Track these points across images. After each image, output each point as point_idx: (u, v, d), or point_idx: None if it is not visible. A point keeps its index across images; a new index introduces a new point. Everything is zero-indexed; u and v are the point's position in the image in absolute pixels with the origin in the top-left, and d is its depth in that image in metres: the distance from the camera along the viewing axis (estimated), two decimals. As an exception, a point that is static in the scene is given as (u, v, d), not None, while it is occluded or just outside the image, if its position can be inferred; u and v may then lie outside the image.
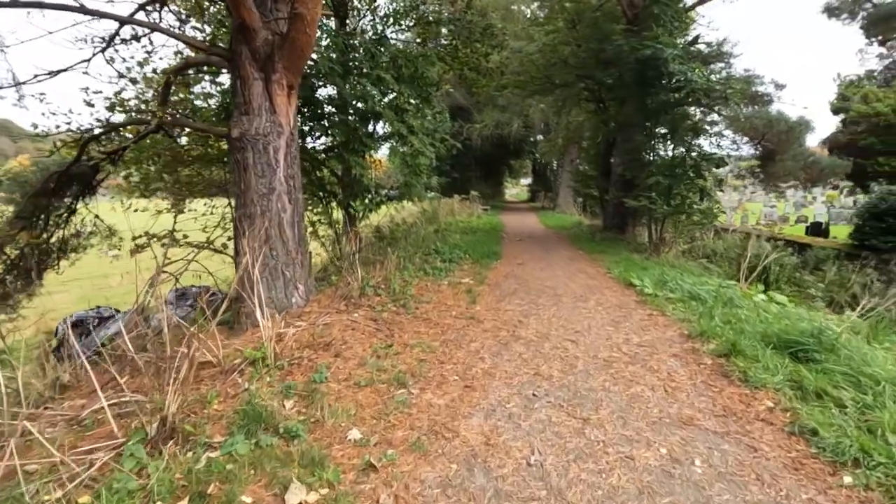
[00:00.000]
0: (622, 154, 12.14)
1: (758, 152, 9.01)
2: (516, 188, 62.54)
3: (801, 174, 9.19)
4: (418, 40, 11.34)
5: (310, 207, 7.44)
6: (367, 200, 7.66)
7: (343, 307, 4.90)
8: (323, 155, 7.49)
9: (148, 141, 6.76)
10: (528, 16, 21.07)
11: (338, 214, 8.14)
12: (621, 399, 3.12)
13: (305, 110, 6.97)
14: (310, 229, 7.40)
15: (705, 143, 9.12)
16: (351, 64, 6.63)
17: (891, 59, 19.87)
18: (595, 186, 15.07)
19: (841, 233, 24.80)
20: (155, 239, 5.95)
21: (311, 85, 6.61)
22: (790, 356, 3.62)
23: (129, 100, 6.96)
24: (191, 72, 6.95)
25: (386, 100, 7.40)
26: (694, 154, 9.42)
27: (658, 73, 8.50)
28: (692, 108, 9.13)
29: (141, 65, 6.75)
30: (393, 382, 3.25)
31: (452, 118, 26.21)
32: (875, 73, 19.90)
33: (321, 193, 7.87)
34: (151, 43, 6.79)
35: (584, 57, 13.54)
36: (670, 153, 9.86)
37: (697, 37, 9.11)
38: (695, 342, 4.20)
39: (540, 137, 32.49)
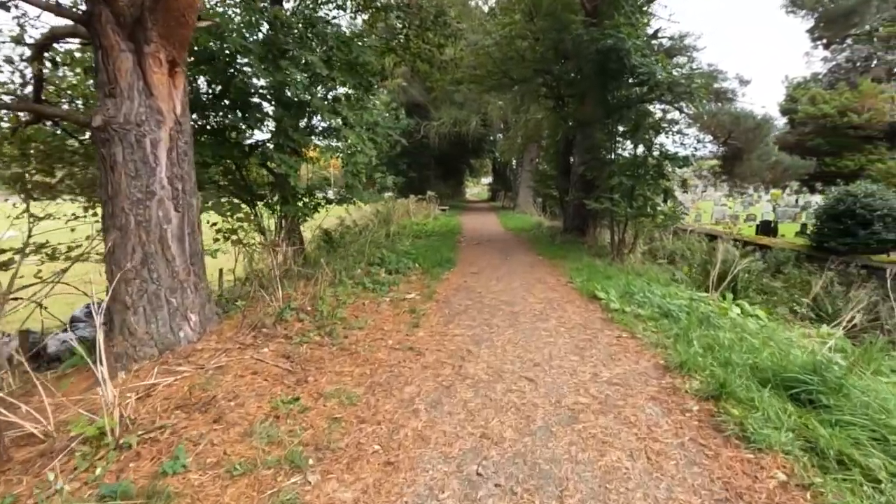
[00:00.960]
0: (582, 153, 11.61)
1: (721, 151, 8.58)
2: (478, 187, 62.28)
3: (767, 174, 8.98)
4: (364, 27, 10.42)
5: (229, 213, 6.39)
6: (300, 204, 6.69)
7: (250, 340, 3.95)
8: (251, 151, 6.46)
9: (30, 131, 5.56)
10: (486, 11, 20.41)
11: (271, 221, 7.14)
12: (593, 476, 2.34)
13: (226, 98, 5.93)
14: (232, 237, 6.35)
15: (668, 142, 8.65)
16: (276, 45, 5.65)
17: (834, 62, 20.44)
18: (555, 186, 14.55)
19: (788, 231, 25.56)
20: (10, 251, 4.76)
21: (230, 67, 5.59)
22: (791, 399, 2.97)
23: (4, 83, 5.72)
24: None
25: (321, 90, 6.46)
26: (656, 153, 8.94)
27: (620, 66, 7.91)
28: (655, 105, 8.62)
29: (17, 41, 5.52)
30: (285, 465, 2.35)
31: (409, 115, 25.25)
32: (820, 76, 20.41)
33: (247, 197, 6.83)
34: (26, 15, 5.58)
35: (542, 51, 12.96)
36: (631, 152, 9.35)
37: (658, 30, 8.65)
38: (674, 377, 3.50)
39: (500, 136, 32.06)
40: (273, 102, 5.94)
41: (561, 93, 12.96)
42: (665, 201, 8.46)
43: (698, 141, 8.33)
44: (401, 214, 17.29)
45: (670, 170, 8.78)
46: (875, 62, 18.62)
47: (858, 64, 19.41)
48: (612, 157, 9.23)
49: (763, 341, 4.00)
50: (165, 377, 3.15)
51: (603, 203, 8.42)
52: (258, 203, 6.96)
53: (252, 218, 6.56)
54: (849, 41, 20.14)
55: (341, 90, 6.84)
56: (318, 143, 7.21)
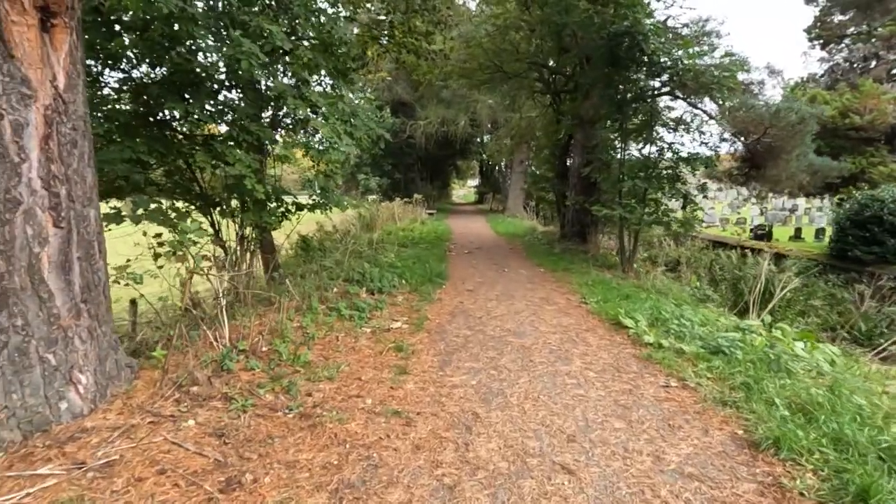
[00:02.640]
0: (582, 153, 10.65)
1: (743, 151, 7.67)
2: (464, 189, 61.36)
3: (804, 177, 8.17)
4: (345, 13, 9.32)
5: (171, 222, 5.21)
6: (264, 211, 5.55)
7: (171, 407, 2.82)
8: (201, 146, 5.29)
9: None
10: (476, 4, 19.39)
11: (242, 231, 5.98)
12: None
13: (155, 70, 4.77)
14: (177, 253, 5.17)
15: (686, 140, 7.71)
16: (229, 16, 4.53)
17: (832, 63, 19.91)
18: (551, 189, 13.58)
19: (781, 235, 25.02)
20: None
21: (166, 39, 4.43)
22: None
23: None
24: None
25: (288, 75, 5.33)
26: (672, 153, 8.00)
27: (634, 54, 6.94)
28: (674, 98, 7.67)
29: None
30: None
31: (394, 114, 24.15)
32: (818, 76, 19.86)
33: (198, 202, 5.67)
34: None
35: (539, 42, 12.01)
36: (643, 152, 8.40)
37: (668, 18, 7.74)
38: (770, 462, 2.48)
39: (488, 137, 31.11)
40: (226, 85, 4.81)
41: (558, 88, 12.00)
42: (684, 207, 7.50)
43: (722, 139, 7.43)
44: (385, 219, 16.17)
45: (687, 171, 7.83)
46: (874, 62, 18.06)
47: (857, 64, 18.88)
48: (621, 157, 8.24)
49: (868, 399, 3.01)
50: (13, 492, 2.02)
51: (615, 210, 7.43)
52: (214, 210, 5.80)
53: (203, 227, 5.38)
54: (847, 41, 19.64)
55: (316, 78, 5.74)
56: (287, 138, 6.09)
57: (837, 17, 19.59)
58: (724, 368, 3.65)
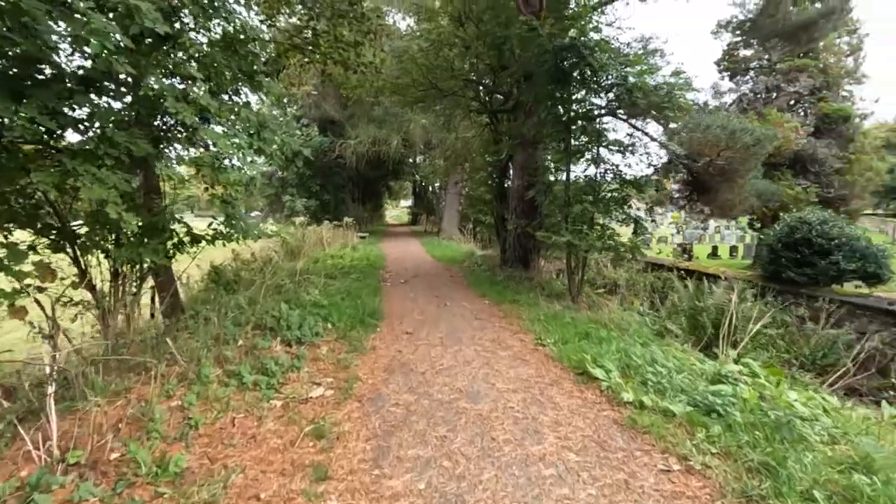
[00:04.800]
0: (522, 175, 10.15)
1: (689, 175, 7.44)
2: (397, 209, 60.46)
3: (754, 201, 8.16)
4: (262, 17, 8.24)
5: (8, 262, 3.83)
6: (145, 245, 4.31)
7: None
8: (44, 162, 3.98)
9: None
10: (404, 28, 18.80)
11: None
12: None
13: None
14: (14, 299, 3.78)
15: (633, 161, 7.35)
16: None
17: (740, 93, 21.43)
18: (490, 212, 13.01)
19: (701, 253, 26.37)
20: None
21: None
22: None
23: None
24: None
25: (175, 82, 4.19)
26: (615, 176, 7.62)
27: (581, 69, 6.48)
28: (616, 118, 7.30)
29: None
30: None
31: (323, 132, 22.84)
32: (728, 105, 21.25)
33: (51, 235, 4.31)
34: None
35: (474, 61, 11.55)
36: (588, 174, 7.97)
37: (608, 37, 7.46)
38: None
39: (421, 158, 30.55)
40: (95, 85, 3.60)
41: (495, 107, 11.54)
42: (636, 232, 7.07)
43: (671, 161, 7.13)
44: (313, 244, 14.82)
45: (634, 194, 7.47)
46: (776, 94, 19.53)
47: (761, 95, 20.34)
48: (568, 180, 7.75)
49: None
50: None
51: (563, 235, 6.84)
52: (75, 244, 4.45)
53: (51, 266, 4.03)
54: (751, 73, 21.23)
55: (214, 81, 4.62)
56: (183, 153, 4.87)
57: (742, 52, 21.18)
58: (727, 438, 2.97)
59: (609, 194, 7.65)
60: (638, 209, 8.42)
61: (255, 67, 4.66)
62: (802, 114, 19.24)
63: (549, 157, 8.92)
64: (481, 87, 11.83)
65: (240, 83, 4.73)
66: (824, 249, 8.81)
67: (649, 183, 7.08)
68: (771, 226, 18.04)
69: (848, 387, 6.21)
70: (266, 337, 4.74)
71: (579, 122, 7.47)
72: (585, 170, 8.08)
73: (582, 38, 6.33)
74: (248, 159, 4.00)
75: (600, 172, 7.73)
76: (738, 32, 20.49)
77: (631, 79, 6.07)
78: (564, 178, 7.95)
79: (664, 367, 4.17)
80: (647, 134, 7.66)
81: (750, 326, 5.13)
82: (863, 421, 3.59)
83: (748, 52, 20.98)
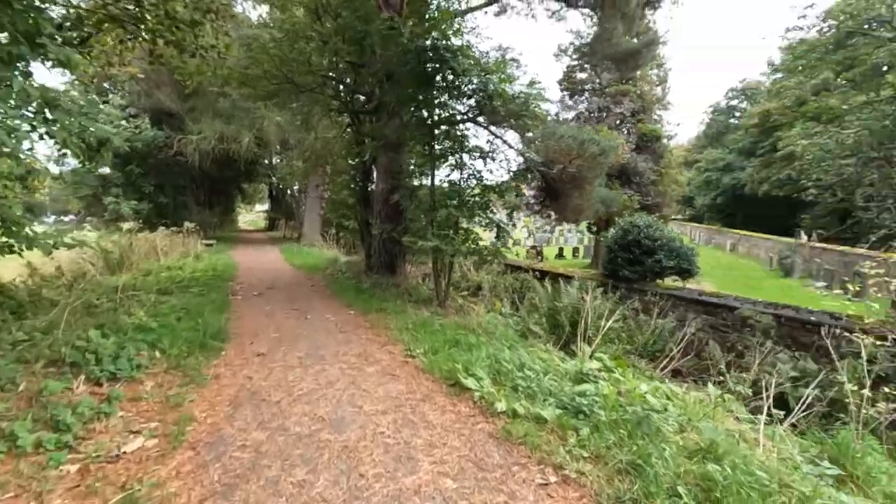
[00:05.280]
0: (386, 179, 9.87)
1: (543, 181, 7.89)
2: (252, 214, 55.79)
3: (601, 207, 8.93)
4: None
5: None
6: None
7: None
8: None
9: None
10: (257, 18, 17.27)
11: None
12: None
13: None
14: None
15: (494, 168, 7.54)
16: None
17: (578, 111, 24.04)
18: (353, 217, 12.47)
19: (549, 254, 28.93)
20: None
21: None
22: None
23: None
24: None
25: None
26: (477, 180, 7.76)
27: (444, 72, 6.42)
28: (477, 125, 7.42)
29: None
30: None
31: (156, 125, 19.87)
32: (569, 121, 23.68)
33: None
34: None
35: (333, 58, 10.95)
36: (452, 179, 7.99)
37: (469, 43, 7.59)
38: None
39: (277, 160, 28.53)
40: None
41: (357, 107, 11.09)
42: (498, 236, 7.24)
43: (528, 168, 7.46)
44: (145, 254, 12.67)
45: (494, 199, 7.67)
46: (606, 113, 22.27)
47: (595, 114, 23.03)
48: (432, 184, 7.66)
49: (749, 457, 2.63)
50: None
51: (430, 240, 6.71)
52: None
53: None
54: (586, 94, 23.94)
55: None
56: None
57: (579, 75, 23.79)
58: (596, 440, 3.00)
59: (472, 199, 7.75)
60: (496, 213, 8.73)
61: (39, 28, 3.59)
62: (626, 132, 22.28)
63: (413, 161, 8.78)
64: (342, 86, 11.28)
65: (18, 45, 3.61)
66: (650, 249, 10.11)
67: (509, 188, 7.32)
68: (606, 230, 20.45)
69: (674, 369, 7.09)
70: (64, 376, 3.68)
71: (443, 126, 7.43)
72: (449, 174, 8.10)
73: (444, 42, 6.27)
74: (25, 145, 3.01)
75: (463, 177, 7.81)
76: (575, 56, 22.99)
77: (491, 86, 6.18)
78: (429, 182, 7.86)
79: (532, 371, 4.20)
80: (505, 142, 7.96)
81: (602, 323, 5.51)
82: (697, 404, 3.99)
83: (584, 75, 23.68)
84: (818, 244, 19.92)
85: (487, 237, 8.14)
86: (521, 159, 7.46)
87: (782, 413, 3.98)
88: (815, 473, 2.57)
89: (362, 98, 11.02)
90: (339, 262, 13.44)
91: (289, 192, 30.81)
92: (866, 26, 7.92)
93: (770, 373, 6.43)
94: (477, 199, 7.75)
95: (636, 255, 10.27)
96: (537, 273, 12.16)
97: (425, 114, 7.42)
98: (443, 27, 6.31)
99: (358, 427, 3.30)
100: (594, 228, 22.58)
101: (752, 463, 2.63)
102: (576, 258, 28.49)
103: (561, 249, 30.37)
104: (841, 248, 17.86)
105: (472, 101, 6.87)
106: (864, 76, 8.98)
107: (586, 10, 11.15)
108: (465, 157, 7.80)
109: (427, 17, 6.54)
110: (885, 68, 8.66)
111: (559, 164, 7.14)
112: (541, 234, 38.32)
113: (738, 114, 46.21)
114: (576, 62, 23.09)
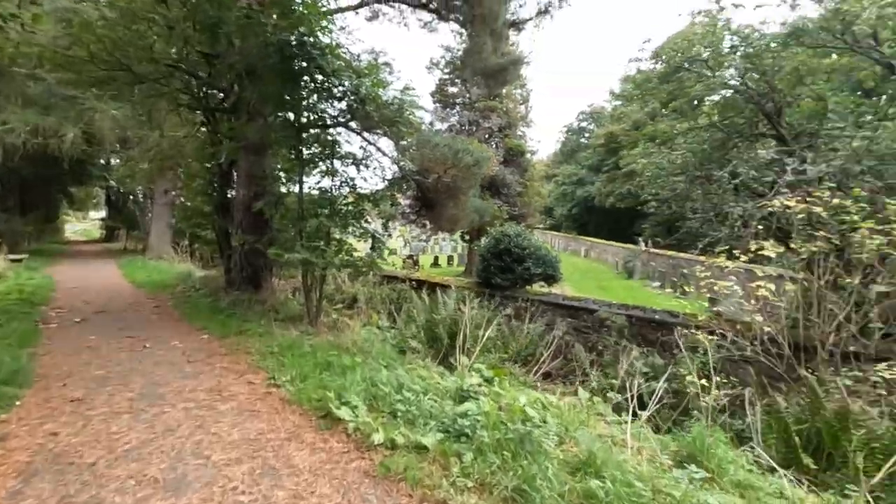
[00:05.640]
0: (249, 184, 8.93)
1: (418, 191, 7.75)
2: (85, 223, 47.55)
3: (475, 217, 8.94)
4: None
5: None
6: None
7: None
8: None
9: None
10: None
11: None
12: None
13: None
14: None
15: (368, 175, 7.21)
16: None
17: (450, 123, 24.78)
18: (210, 226, 11.11)
19: (425, 262, 29.35)
20: None
21: None
22: None
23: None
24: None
25: None
26: (350, 188, 7.36)
27: (311, 71, 5.93)
28: (349, 130, 7.02)
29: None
30: None
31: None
32: (443, 132, 24.27)
33: None
34: None
35: (182, 47, 9.65)
36: (322, 186, 7.46)
37: (339, 43, 7.14)
38: None
39: (115, 160, 24.63)
40: None
41: (212, 104, 9.91)
42: (373, 247, 6.89)
43: (403, 177, 7.22)
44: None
45: (369, 208, 7.34)
46: (476, 127, 23.29)
47: (466, 127, 23.94)
48: (301, 191, 7.05)
49: (626, 468, 2.67)
50: None
51: (299, 252, 6.12)
52: None
53: None
54: (458, 108, 24.80)
55: None
56: None
57: (451, 88, 24.56)
58: (480, 465, 2.82)
59: (345, 208, 7.32)
60: (372, 223, 8.39)
61: None
62: (494, 146, 23.51)
63: (279, 166, 8.04)
64: (193, 79, 9.98)
65: None
66: (520, 257, 10.61)
67: (385, 197, 7.04)
68: (478, 239, 21.23)
69: (545, 373, 7.41)
70: None
71: (312, 129, 6.90)
72: (319, 181, 7.56)
73: (312, 39, 5.78)
74: None
75: (336, 185, 7.34)
76: (447, 71, 23.70)
77: (363, 89, 5.85)
78: (297, 189, 7.23)
79: (411, 392, 3.94)
80: (379, 149, 7.67)
81: (480, 333, 5.49)
82: (571, 410, 4.08)
83: (455, 89, 24.50)
84: (654, 250, 23.06)
85: (363, 248, 7.76)
86: (396, 167, 7.24)
87: (644, 413, 4.28)
88: (683, 477, 2.69)
89: (219, 94, 9.87)
90: (193, 277, 11.87)
91: (131, 197, 26.81)
92: (686, 64, 9.27)
93: (627, 371, 7.07)
94: (350, 208, 7.34)
95: (507, 263, 10.70)
96: (414, 283, 12.04)
97: (292, 115, 6.82)
98: (310, 23, 5.81)
99: (203, 485, 2.71)
100: (467, 237, 23.38)
101: (627, 471, 2.66)
102: (451, 266, 29.27)
103: (436, 258, 30.99)
104: (670, 253, 20.88)
105: (343, 105, 6.46)
106: (685, 106, 10.52)
107: (456, 27, 11.46)
108: (337, 163, 7.36)
109: (293, 9, 5.97)
110: (699, 101, 10.29)
111: (434, 174, 7.07)
112: (416, 243, 38.72)
113: (587, 134, 51.96)
114: (447, 76, 23.81)
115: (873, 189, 5.65)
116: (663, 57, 9.65)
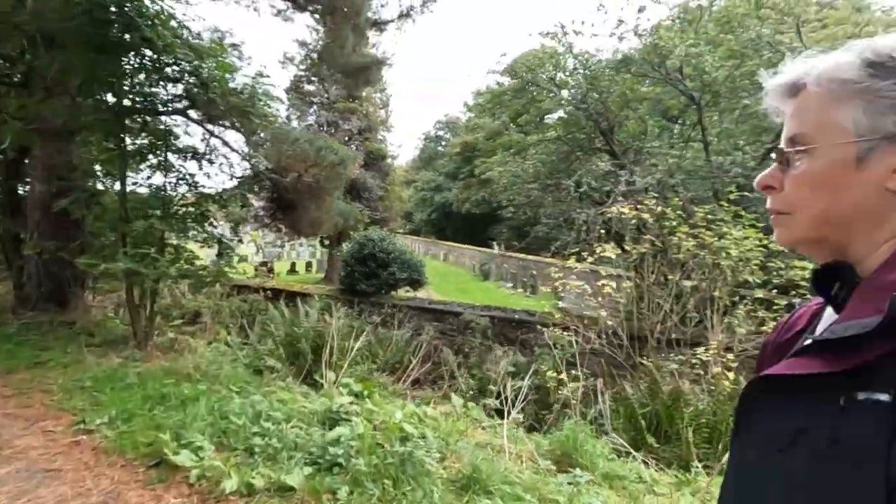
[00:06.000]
0: (49, 178, 7.18)
1: (274, 191, 6.99)
2: None
3: (339, 220, 8.19)
4: None
5: None
6: None
7: None
8: None
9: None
10: None
11: None
12: None
13: None
14: None
15: (213, 172, 6.28)
16: None
17: (308, 123, 23.55)
18: (-8, 230, 8.69)
19: (281, 269, 27.57)
20: None
21: None
22: None
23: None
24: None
25: None
26: (190, 187, 6.35)
27: (135, 42, 4.91)
28: (189, 119, 6.03)
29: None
30: None
31: None
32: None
33: None
34: None
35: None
36: (152, 183, 6.31)
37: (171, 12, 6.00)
38: None
39: None
40: None
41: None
42: (220, 254, 6.00)
43: (257, 175, 6.39)
44: None
45: (215, 209, 6.41)
46: (335, 129, 22.54)
47: (324, 128, 23.01)
48: (124, 189, 5.85)
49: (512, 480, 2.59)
50: None
51: (122, 262, 5.02)
52: None
53: None
54: (315, 107, 23.72)
55: None
56: None
57: (307, 87, 23.36)
58: (358, 499, 2.50)
59: (184, 209, 6.29)
60: (217, 227, 7.38)
61: None
62: (355, 148, 22.96)
63: (93, 156, 6.60)
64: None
65: None
66: (385, 262, 10.36)
67: (234, 198, 6.19)
68: (338, 244, 20.44)
69: (414, 379, 7.28)
70: None
71: (138, 115, 5.77)
72: (150, 177, 6.39)
73: (136, 2, 4.78)
74: None
75: (171, 182, 6.27)
76: (303, 67, 22.46)
77: (206, 71, 5.02)
78: (119, 186, 5.97)
79: (271, 420, 3.41)
80: (226, 143, 6.75)
81: (349, 344, 5.09)
82: (448, 419, 3.95)
83: (312, 87, 23.34)
84: (507, 253, 24.76)
85: (208, 255, 6.77)
86: (247, 164, 6.43)
87: (513, 412, 4.35)
88: (564, 482, 2.71)
89: (3, 63, 7.79)
90: (-34, 296, 9.17)
91: None
92: (534, 82, 10.05)
93: (494, 371, 7.29)
94: (191, 209, 6.32)
95: (372, 269, 10.37)
96: (269, 293, 11.00)
97: (111, 96, 5.61)
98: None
99: None
100: (327, 242, 22.41)
101: (513, 482, 2.59)
102: (309, 273, 27.81)
103: (293, 264, 29.13)
104: (521, 255, 22.62)
105: (179, 88, 5.50)
106: (535, 119, 11.43)
107: (312, 23, 10.84)
108: (173, 157, 6.30)
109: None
110: (542, 118, 11.25)
111: (294, 172, 6.43)
112: (271, 248, 36.07)
113: (444, 143, 54.09)
114: (304, 72, 22.56)
115: (686, 199, 6.66)
116: (516, 72, 10.35)
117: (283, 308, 7.01)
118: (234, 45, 5.78)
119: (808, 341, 0.59)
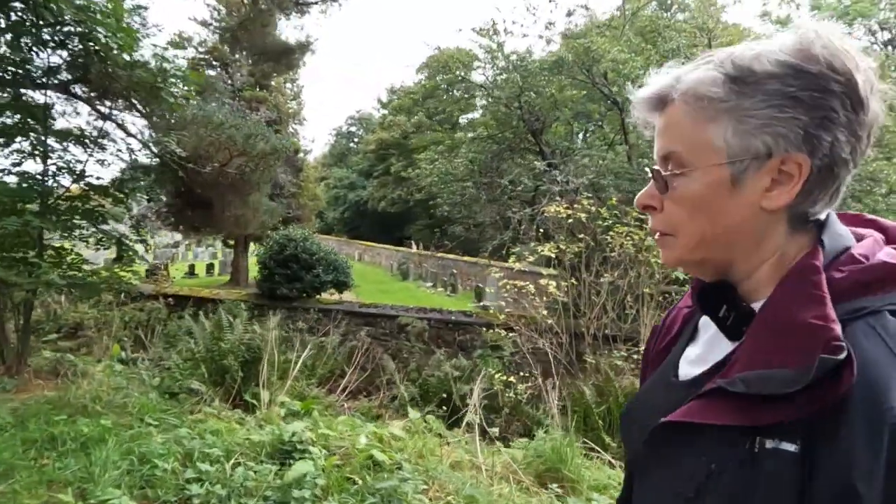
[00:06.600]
0: None
1: (184, 185, 6.03)
2: None
3: (267, 218, 7.14)
4: None
5: None
6: None
7: None
8: None
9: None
10: None
11: None
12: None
13: None
14: None
15: (108, 158, 5.25)
16: None
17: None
18: None
19: (177, 273, 25.11)
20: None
21: None
22: None
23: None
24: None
25: None
26: (78, 177, 5.28)
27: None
28: (74, 97, 4.97)
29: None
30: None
31: None
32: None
33: None
34: None
35: None
36: (26, 171, 5.15)
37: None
38: None
39: None
40: None
41: None
42: (120, 257, 5.03)
43: (164, 165, 5.42)
44: None
45: (110, 204, 5.40)
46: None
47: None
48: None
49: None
50: None
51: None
52: None
53: None
54: (217, 94, 21.69)
55: None
56: None
57: (209, 71, 21.25)
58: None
59: (68, 204, 5.21)
60: (111, 225, 6.26)
61: None
62: (264, 142, 21.41)
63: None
64: None
65: None
66: (309, 264, 9.60)
67: (135, 191, 5.22)
68: (245, 244, 18.88)
69: (350, 391, 6.78)
70: None
71: (6, 88, 4.66)
72: (21, 163, 5.21)
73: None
74: None
75: (50, 171, 5.16)
76: (202, 50, 20.33)
77: (101, 36, 4.11)
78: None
79: (208, 460, 2.81)
80: (121, 126, 5.70)
81: (287, 357, 4.50)
82: (414, 437, 3.59)
83: (213, 73, 21.24)
84: (424, 252, 24.59)
85: (93, 256, 5.67)
86: (151, 152, 5.46)
87: (468, 420, 4.10)
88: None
89: None
90: None
91: None
92: (452, 84, 9.94)
93: (433, 375, 7.00)
94: (77, 203, 5.25)
95: (294, 271, 9.57)
96: (170, 299, 9.72)
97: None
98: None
99: None
100: (231, 242, 20.60)
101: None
102: (211, 276, 25.48)
103: (192, 267, 26.45)
104: (440, 254, 22.58)
105: (64, 54, 4.48)
106: (457, 115, 11.33)
107: (212, 2, 9.66)
108: (52, 140, 5.19)
109: None
110: (460, 116, 11.19)
111: (215, 163, 5.58)
112: (163, 249, 32.58)
113: (356, 139, 52.67)
114: (204, 55, 20.39)
115: (619, 199, 6.88)
116: (433, 69, 10.15)
117: (202, 319, 6.08)
118: (138, 8, 4.81)
119: (716, 384, 0.53)
